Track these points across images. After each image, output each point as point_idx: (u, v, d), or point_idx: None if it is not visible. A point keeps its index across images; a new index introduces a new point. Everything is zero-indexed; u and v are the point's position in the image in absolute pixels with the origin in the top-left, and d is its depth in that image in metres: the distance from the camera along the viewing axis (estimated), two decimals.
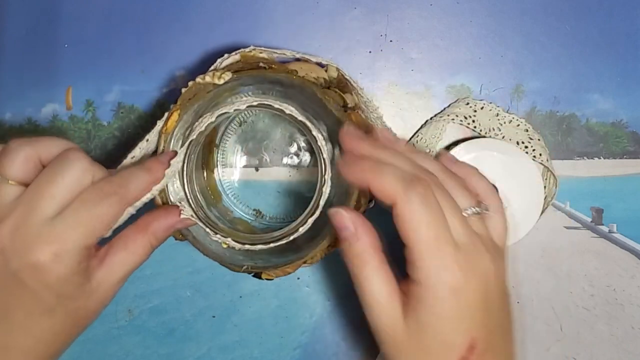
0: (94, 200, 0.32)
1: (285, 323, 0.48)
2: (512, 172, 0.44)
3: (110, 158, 0.50)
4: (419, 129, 0.47)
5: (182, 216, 0.36)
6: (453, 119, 0.46)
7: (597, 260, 0.47)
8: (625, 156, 0.47)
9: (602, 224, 0.47)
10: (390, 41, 0.48)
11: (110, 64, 0.49)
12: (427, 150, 0.46)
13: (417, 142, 0.46)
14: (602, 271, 0.47)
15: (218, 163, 0.45)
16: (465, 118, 0.46)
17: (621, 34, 0.47)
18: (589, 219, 0.47)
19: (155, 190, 0.35)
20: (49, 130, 0.50)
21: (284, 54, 0.39)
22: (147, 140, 0.38)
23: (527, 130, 0.46)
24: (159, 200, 0.37)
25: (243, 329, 0.48)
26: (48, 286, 0.31)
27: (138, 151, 0.38)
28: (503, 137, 0.46)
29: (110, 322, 0.48)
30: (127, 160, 0.38)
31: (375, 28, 0.48)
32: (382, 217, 0.48)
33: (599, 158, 0.48)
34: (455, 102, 0.47)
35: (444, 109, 0.47)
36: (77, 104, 0.50)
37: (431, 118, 0.47)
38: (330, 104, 0.36)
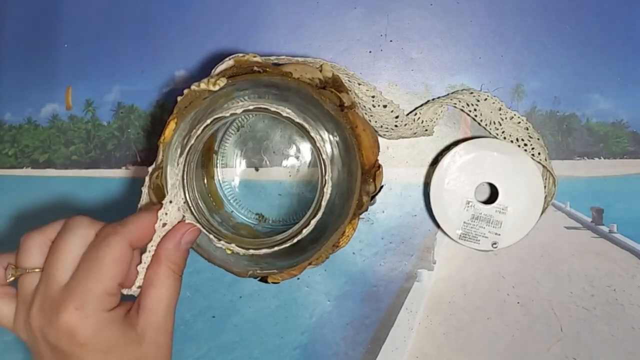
0: (97, 246, 0.32)
1: (285, 323, 0.48)
2: (512, 172, 0.44)
3: (110, 158, 0.50)
4: (418, 107, 0.47)
5: (186, 221, 0.36)
6: (455, 104, 0.46)
7: (598, 261, 0.47)
8: (625, 156, 0.47)
9: (603, 224, 0.47)
10: (390, 41, 0.48)
11: (110, 64, 0.49)
12: (424, 130, 0.46)
13: (414, 120, 0.46)
14: (603, 271, 0.47)
15: (218, 169, 0.45)
16: (468, 105, 0.46)
17: (621, 34, 0.47)
18: (589, 219, 0.47)
19: (162, 224, 0.35)
20: (48, 130, 0.50)
21: (271, 59, 0.39)
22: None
23: (527, 129, 0.46)
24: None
25: (243, 329, 0.48)
26: (86, 345, 0.31)
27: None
28: (503, 132, 0.46)
29: None
30: None
31: (375, 28, 0.48)
32: (383, 215, 0.48)
33: (599, 158, 0.48)
34: (459, 90, 0.47)
35: (447, 94, 0.47)
36: (77, 104, 0.50)
37: (433, 99, 0.47)
38: (327, 104, 0.36)
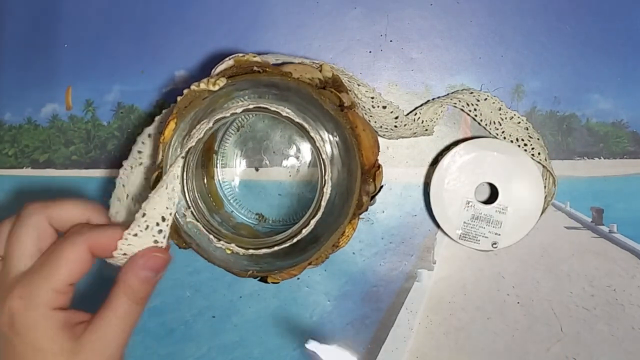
0: (59, 243, 0.32)
1: (285, 323, 0.48)
2: (512, 172, 0.44)
3: (110, 158, 0.50)
4: (417, 107, 0.47)
5: (187, 220, 0.35)
6: (455, 104, 0.46)
7: (598, 261, 0.47)
8: (625, 156, 0.47)
9: (603, 224, 0.47)
10: (390, 41, 0.48)
11: (110, 64, 0.49)
12: (424, 130, 0.46)
13: (414, 120, 0.46)
14: (603, 271, 0.47)
15: (218, 169, 0.45)
16: (468, 105, 0.46)
17: (621, 34, 0.47)
18: (589, 219, 0.47)
19: (127, 244, 0.33)
20: (48, 130, 0.50)
21: (274, 58, 0.39)
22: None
23: (527, 129, 0.46)
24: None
25: (243, 329, 0.48)
26: (20, 335, 0.31)
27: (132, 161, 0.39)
28: (503, 132, 0.46)
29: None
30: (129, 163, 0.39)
31: (375, 28, 0.48)
32: (383, 215, 0.48)
33: (599, 158, 0.48)
34: (459, 90, 0.47)
35: (447, 94, 0.47)
36: (77, 104, 0.50)
37: (433, 99, 0.47)
38: (327, 104, 0.36)
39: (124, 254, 0.33)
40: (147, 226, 0.33)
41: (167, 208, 0.34)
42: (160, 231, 0.33)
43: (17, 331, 0.31)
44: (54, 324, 0.31)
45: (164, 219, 0.34)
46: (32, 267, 0.32)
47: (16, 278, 0.31)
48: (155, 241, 0.33)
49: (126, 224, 0.33)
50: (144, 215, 0.33)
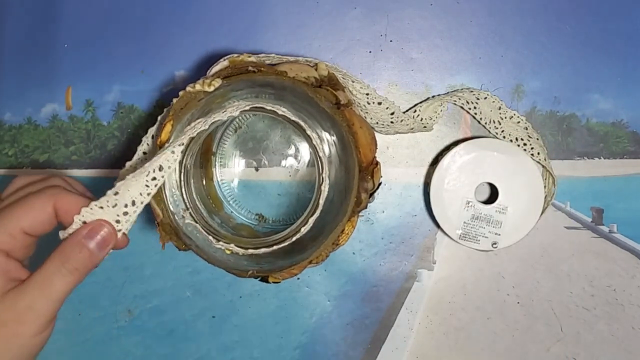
0: (31, 193, 0.33)
1: (285, 323, 0.48)
2: (512, 172, 0.44)
3: (110, 158, 0.50)
4: (417, 104, 0.47)
5: (186, 221, 0.35)
6: (455, 102, 0.46)
7: (598, 261, 0.47)
8: (625, 156, 0.47)
9: (603, 224, 0.47)
10: (390, 41, 0.48)
11: (110, 64, 0.49)
12: (422, 127, 0.46)
13: (413, 116, 0.46)
14: (603, 271, 0.47)
15: (216, 170, 0.45)
16: (468, 103, 0.46)
17: (621, 34, 0.47)
18: (589, 219, 0.47)
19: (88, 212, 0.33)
20: (48, 130, 0.50)
21: (270, 57, 0.39)
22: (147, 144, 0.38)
23: (526, 129, 0.46)
24: (158, 212, 0.37)
25: (243, 329, 0.48)
26: None
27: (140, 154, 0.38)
28: (502, 131, 0.46)
29: (110, 322, 0.48)
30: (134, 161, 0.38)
31: (375, 28, 0.48)
32: (383, 215, 0.48)
33: (599, 158, 0.48)
34: (459, 89, 0.47)
35: (447, 92, 0.47)
36: (77, 104, 0.50)
37: (433, 97, 0.47)
38: (323, 103, 0.36)
39: (84, 222, 0.33)
40: (116, 204, 0.33)
41: (140, 194, 0.34)
42: (125, 213, 0.33)
43: None
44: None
45: (133, 203, 0.33)
46: None
47: None
48: (118, 221, 0.33)
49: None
50: (116, 193, 0.33)
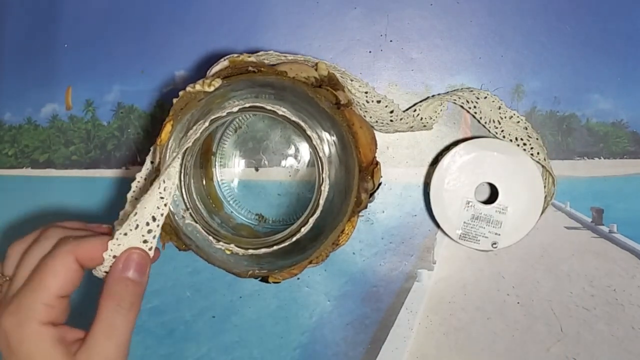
0: (46, 257, 0.32)
1: (285, 323, 0.48)
2: (512, 172, 0.44)
3: (110, 158, 0.50)
4: (417, 103, 0.47)
5: (186, 221, 0.35)
6: (455, 101, 0.46)
7: (598, 261, 0.47)
8: (625, 156, 0.47)
9: (603, 224, 0.47)
10: (390, 41, 0.48)
11: (110, 64, 0.49)
12: (422, 126, 0.46)
13: (413, 116, 0.46)
14: (603, 271, 0.47)
15: (216, 170, 0.45)
16: (468, 102, 0.46)
17: (621, 34, 0.47)
18: (589, 219, 0.47)
19: (112, 255, 0.33)
20: (48, 130, 0.50)
21: (269, 56, 0.39)
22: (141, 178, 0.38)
23: (526, 129, 0.46)
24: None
25: (243, 329, 0.48)
26: (14, 353, 0.30)
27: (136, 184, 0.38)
28: (502, 130, 0.46)
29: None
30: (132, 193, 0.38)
31: (375, 28, 0.48)
32: (383, 215, 0.48)
33: (599, 158, 0.48)
34: (459, 88, 0.47)
35: (447, 92, 0.47)
36: (77, 104, 0.50)
37: (433, 96, 0.47)
38: (322, 103, 0.36)
39: (114, 256, 0.32)
40: (137, 225, 0.33)
41: (157, 208, 0.34)
42: (149, 231, 0.33)
43: (12, 349, 0.30)
44: (48, 340, 0.30)
45: (154, 219, 0.33)
46: (23, 284, 0.31)
47: (12, 296, 0.31)
48: (145, 241, 0.33)
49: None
50: (135, 214, 0.33)
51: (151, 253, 0.33)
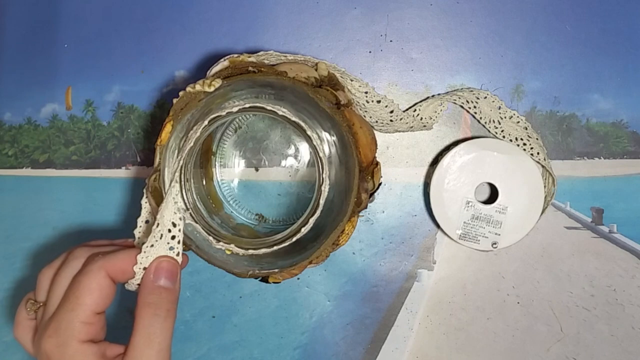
0: (77, 276, 0.32)
1: (285, 323, 0.48)
2: (512, 172, 0.44)
3: (110, 158, 0.50)
4: (417, 103, 0.47)
5: (186, 221, 0.35)
6: (455, 101, 0.46)
7: (598, 261, 0.47)
8: (625, 156, 0.47)
9: (603, 224, 0.47)
10: (390, 41, 0.48)
11: (110, 64, 0.49)
12: (422, 125, 0.46)
13: (413, 116, 0.46)
14: (603, 271, 0.47)
15: (216, 170, 0.45)
16: (467, 102, 0.46)
17: (621, 34, 0.47)
18: (589, 219, 0.47)
19: (142, 267, 0.33)
20: (48, 130, 0.50)
21: (269, 56, 0.39)
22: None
23: (526, 129, 0.46)
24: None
25: (243, 329, 0.48)
26: None
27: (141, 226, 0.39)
28: (502, 130, 0.46)
29: (110, 322, 0.48)
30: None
31: (375, 28, 0.48)
32: (383, 215, 0.48)
33: (599, 158, 0.48)
34: (459, 88, 0.47)
35: (447, 92, 0.47)
36: (77, 104, 0.50)
37: (433, 96, 0.47)
38: (323, 103, 0.36)
39: (144, 268, 0.33)
40: (161, 235, 0.34)
41: (175, 213, 0.35)
42: (173, 237, 0.34)
43: None
44: (90, 357, 0.31)
45: (174, 225, 0.34)
46: (58, 305, 0.32)
47: (49, 319, 0.32)
48: (171, 248, 0.34)
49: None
50: (157, 225, 0.34)
51: (179, 259, 0.34)
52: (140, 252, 0.33)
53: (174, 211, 0.35)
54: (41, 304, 0.34)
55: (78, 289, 0.31)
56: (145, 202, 0.38)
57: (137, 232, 0.38)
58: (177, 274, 0.34)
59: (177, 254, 0.34)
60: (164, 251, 0.34)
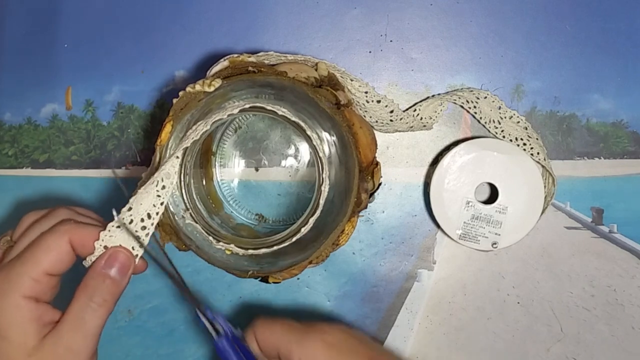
0: (44, 232, 0.32)
1: None
2: (512, 172, 0.44)
3: (110, 158, 0.50)
4: (417, 103, 0.47)
5: (186, 221, 0.35)
6: (455, 101, 0.46)
7: (598, 261, 0.47)
8: (625, 156, 0.47)
9: (603, 224, 0.47)
10: (390, 41, 0.48)
11: (110, 64, 0.49)
12: (422, 126, 0.46)
13: (413, 115, 0.46)
14: (603, 271, 0.47)
15: (216, 170, 0.45)
16: (468, 102, 0.46)
17: (621, 34, 0.47)
18: (590, 219, 0.47)
19: (103, 246, 0.33)
20: (48, 130, 0.50)
21: (269, 56, 0.39)
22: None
23: (526, 129, 0.46)
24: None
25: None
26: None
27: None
28: (502, 130, 0.46)
29: (110, 322, 0.48)
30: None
31: (375, 28, 0.48)
32: (383, 215, 0.48)
33: (599, 158, 0.48)
34: (459, 88, 0.47)
35: (447, 92, 0.47)
36: (77, 104, 0.50)
37: (433, 96, 0.47)
38: (322, 103, 0.36)
39: (105, 247, 0.33)
40: (131, 220, 0.33)
41: (154, 206, 0.34)
42: (143, 227, 0.33)
43: None
44: (24, 314, 0.30)
45: (149, 216, 0.33)
46: (17, 255, 0.32)
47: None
48: (137, 237, 0.33)
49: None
50: (129, 209, 0.33)
51: (136, 260, 0.33)
52: (105, 229, 0.33)
53: (153, 203, 0.34)
54: (13, 244, 0.34)
55: (38, 245, 0.31)
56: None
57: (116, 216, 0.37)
58: (130, 270, 0.33)
59: (140, 246, 0.33)
60: (128, 239, 0.33)
